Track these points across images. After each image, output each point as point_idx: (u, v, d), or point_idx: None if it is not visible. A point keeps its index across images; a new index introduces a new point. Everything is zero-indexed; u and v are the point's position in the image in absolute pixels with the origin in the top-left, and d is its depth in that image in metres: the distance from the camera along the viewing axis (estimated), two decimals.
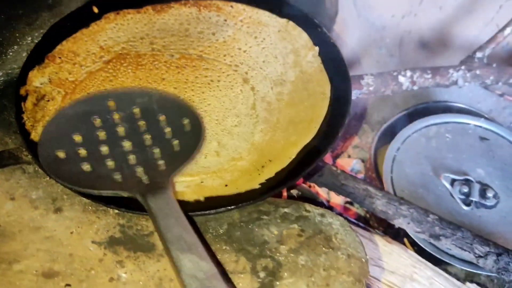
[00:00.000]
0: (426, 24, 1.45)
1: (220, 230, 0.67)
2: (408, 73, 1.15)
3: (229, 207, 0.68)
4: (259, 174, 0.73)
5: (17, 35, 0.93)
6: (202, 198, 0.70)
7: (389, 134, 1.19)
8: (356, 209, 1.18)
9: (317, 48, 0.90)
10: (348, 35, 1.38)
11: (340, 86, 0.84)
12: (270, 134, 0.80)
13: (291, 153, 0.76)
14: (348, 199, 1.01)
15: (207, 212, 0.68)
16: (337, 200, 1.16)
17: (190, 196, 0.70)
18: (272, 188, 0.70)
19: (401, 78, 1.15)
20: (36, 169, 0.72)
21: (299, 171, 0.73)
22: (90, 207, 0.68)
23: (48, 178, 0.71)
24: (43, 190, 0.69)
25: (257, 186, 0.71)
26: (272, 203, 0.72)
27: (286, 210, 0.71)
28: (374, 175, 1.13)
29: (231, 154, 0.77)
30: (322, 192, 1.13)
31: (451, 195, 1.06)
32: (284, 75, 0.89)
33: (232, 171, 0.75)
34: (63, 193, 0.69)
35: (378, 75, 1.14)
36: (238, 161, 0.76)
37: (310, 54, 0.90)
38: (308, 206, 0.71)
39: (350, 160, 1.25)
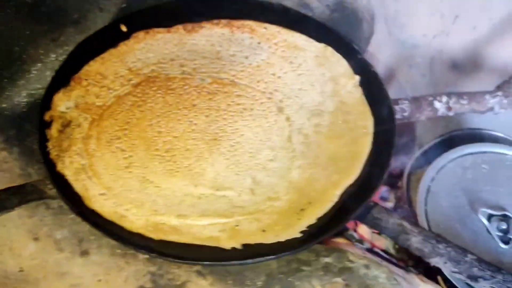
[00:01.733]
0: (459, 44, 1.38)
1: (258, 282, 0.62)
2: (444, 99, 1.09)
3: (269, 257, 0.62)
4: (299, 219, 0.67)
5: (41, 52, 0.88)
6: (239, 245, 0.64)
7: (422, 162, 1.12)
8: (384, 239, 1.12)
9: (357, 78, 0.84)
10: (380, 55, 1.32)
11: (384, 121, 0.78)
12: (309, 171, 0.74)
13: (333, 196, 0.70)
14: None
15: (245, 261, 0.62)
16: (364, 230, 1.10)
17: (226, 242, 0.64)
18: (314, 236, 0.64)
19: (437, 104, 1.09)
20: (61, 204, 0.66)
21: (343, 217, 0.67)
22: (118, 251, 0.63)
23: (73, 216, 0.65)
24: (68, 229, 0.64)
25: (298, 235, 0.65)
26: (312, 250, 0.66)
27: (327, 259, 0.65)
28: (407, 207, 1.06)
29: (267, 193, 0.72)
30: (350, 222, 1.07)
31: (488, 231, 1.00)
32: (322, 105, 0.83)
33: (270, 213, 0.69)
34: (89, 233, 0.64)
35: (413, 100, 1.08)
36: (275, 201, 0.70)
37: (351, 84, 0.84)
38: (351, 256, 0.66)
39: (380, 188, 1.18)
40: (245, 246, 0.64)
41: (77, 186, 0.68)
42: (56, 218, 0.64)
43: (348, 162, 0.74)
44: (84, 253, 0.62)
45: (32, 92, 0.83)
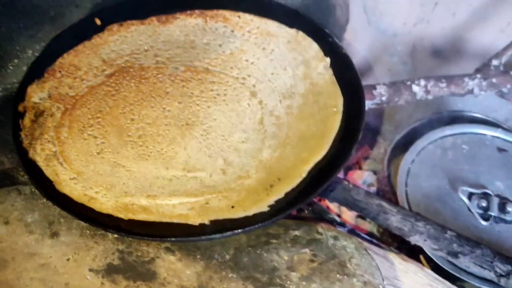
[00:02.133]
0: (439, 31, 1.38)
1: (227, 255, 0.61)
2: (422, 82, 1.09)
3: (236, 231, 0.62)
4: (268, 194, 0.67)
5: (17, 48, 0.89)
6: (207, 221, 0.64)
7: (402, 145, 1.12)
8: (368, 223, 1.11)
9: (328, 59, 0.84)
10: (359, 43, 1.32)
11: (353, 100, 0.78)
12: (279, 150, 0.74)
13: (302, 171, 0.70)
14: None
15: (213, 236, 0.62)
16: (348, 214, 1.10)
17: (195, 219, 0.64)
18: (282, 210, 0.64)
19: (415, 88, 1.09)
20: (33, 190, 0.67)
21: (310, 191, 0.67)
22: (88, 231, 0.63)
23: (45, 200, 0.65)
24: (39, 213, 0.65)
25: (265, 209, 0.65)
26: (281, 225, 0.66)
27: (296, 232, 0.65)
28: (388, 189, 1.06)
29: (238, 172, 0.72)
30: (333, 206, 1.07)
31: (469, 209, 0.99)
32: (294, 87, 0.83)
33: (239, 190, 0.69)
34: (60, 216, 0.65)
35: (391, 84, 1.08)
36: (246, 179, 0.71)
37: (321, 65, 0.84)
38: (320, 228, 0.65)
39: (361, 173, 1.18)
40: (214, 222, 0.64)
41: (48, 172, 0.68)
42: (28, 203, 0.65)
43: (318, 140, 0.74)
44: (54, 235, 0.62)
45: (8, 87, 0.84)
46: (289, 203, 0.65)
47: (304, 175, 0.69)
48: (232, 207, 0.66)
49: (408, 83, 1.08)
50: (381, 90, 1.06)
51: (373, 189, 1.15)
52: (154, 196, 0.67)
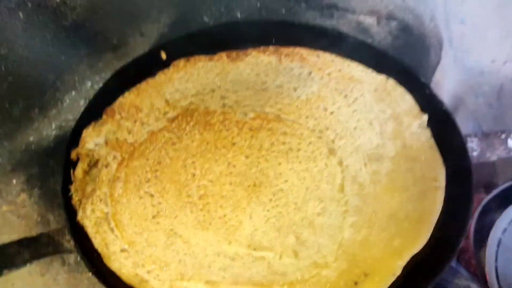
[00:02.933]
0: None
1: None
2: None
3: None
4: None
5: (76, 78, 0.79)
6: None
7: (493, 210, 0.93)
8: None
9: (425, 117, 0.68)
10: (443, 83, 1.14)
11: (457, 172, 0.62)
12: (364, 231, 0.60)
13: (395, 267, 0.55)
14: None
15: None
16: None
17: None
18: None
19: (511, 142, 0.92)
20: (78, 259, 0.56)
21: None
22: None
23: (90, 275, 0.54)
24: None
25: None
26: None
27: None
28: (474, 262, 0.88)
29: (313, 257, 0.58)
30: None
31: None
32: (382, 148, 0.68)
33: (315, 284, 0.55)
34: None
35: (483, 137, 0.91)
36: (323, 269, 0.56)
37: (416, 124, 0.69)
38: None
39: None
40: None
41: (97, 241, 0.58)
42: (71, 277, 0.54)
43: (414, 224, 0.59)
44: None
45: (63, 124, 0.74)
46: None
47: (398, 273, 0.54)
48: None
49: (503, 136, 0.92)
50: (472, 143, 0.89)
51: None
52: (214, 283, 0.55)
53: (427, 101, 0.71)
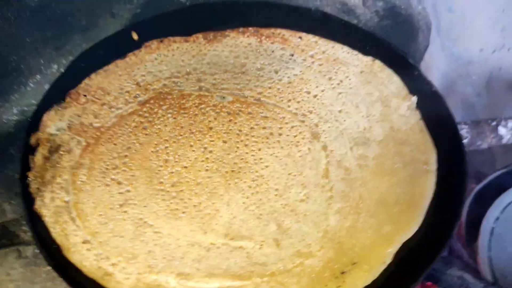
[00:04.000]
0: None
1: None
2: (510, 124, 0.90)
3: None
4: (339, 286, 0.48)
5: (41, 61, 0.74)
6: None
7: (484, 199, 0.91)
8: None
9: (414, 98, 0.65)
10: (431, 71, 1.11)
11: (450, 154, 0.58)
12: (351, 218, 0.55)
13: (385, 255, 0.51)
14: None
15: None
16: None
17: None
18: None
19: (502, 130, 0.91)
20: (36, 252, 0.50)
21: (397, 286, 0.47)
22: None
23: (49, 268, 0.49)
24: (40, 286, 0.48)
25: None
26: None
27: None
28: (466, 252, 0.85)
29: (297, 246, 0.53)
30: None
31: None
32: (368, 131, 0.64)
33: (299, 275, 0.50)
34: None
35: (473, 124, 0.89)
36: (307, 258, 0.52)
37: (405, 106, 0.65)
38: None
39: None
40: None
41: (56, 231, 0.52)
42: (28, 270, 0.49)
43: (404, 209, 0.55)
44: None
45: (25, 108, 0.69)
46: None
47: (388, 260, 0.50)
48: None
49: (494, 123, 0.90)
50: (462, 130, 0.87)
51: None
52: (187, 275, 0.50)
53: (416, 82, 0.68)
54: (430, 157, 0.59)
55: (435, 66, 1.14)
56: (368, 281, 0.49)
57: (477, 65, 1.20)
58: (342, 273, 0.50)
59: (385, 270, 0.50)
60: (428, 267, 0.47)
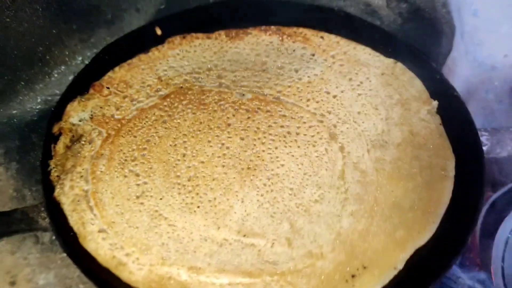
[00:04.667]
0: None
1: None
2: None
3: None
4: None
5: (66, 53, 0.75)
6: None
7: (501, 207, 0.88)
8: None
9: (435, 103, 0.63)
10: (453, 76, 1.08)
11: (469, 162, 0.57)
12: (364, 222, 0.54)
13: (397, 260, 0.50)
14: None
15: None
16: None
17: None
18: None
19: None
20: (53, 239, 0.51)
21: None
22: None
23: (65, 255, 0.49)
24: (55, 272, 0.49)
25: None
26: None
27: None
28: (479, 261, 0.83)
29: (308, 246, 0.53)
30: None
31: None
32: (387, 134, 0.63)
33: (309, 276, 0.50)
34: (79, 280, 0.48)
35: (493, 132, 0.86)
36: (318, 259, 0.51)
37: (425, 110, 0.64)
38: None
39: None
40: None
41: (73, 219, 0.53)
42: (44, 256, 0.50)
43: (419, 215, 0.54)
44: None
45: (49, 98, 0.70)
46: None
47: (400, 266, 0.49)
48: None
49: None
50: (482, 138, 0.84)
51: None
52: (198, 269, 0.50)
53: (438, 86, 0.66)
54: (448, 163, 0.58)
55: (457, 71, 1.10)
56: (378, 286, 0.48)
57: (500, 71, 1.16)
58: (353, 276, 0.49)
59: (396, 276, 0.49)
60: (440, 275, 0.46)
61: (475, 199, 0.53)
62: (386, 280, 0.48)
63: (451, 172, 0.57)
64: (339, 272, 0.50)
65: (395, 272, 0.49)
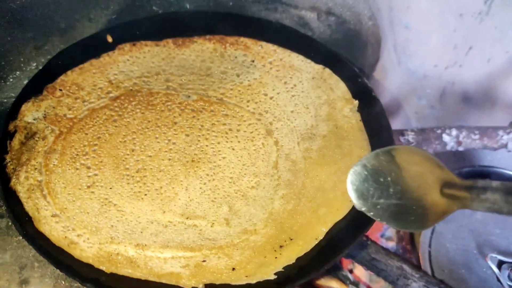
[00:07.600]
0: (472, 77, 1.27)
1: None
2: (454, 132, 0.99)
3: None
4: (276, 257, 0.56)
5: (21, 59, 0.81)
6: (201, 286, 0.53)
7: None
8: (383, 281, 0.99)
9: (356, 102, 0.74)
10: (386, 82, 1.21)
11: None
12: (293, 202, 0.64)
13: (318, 233, 0.59)
14: None
15: None
16: (362, 271, 0.97)
17: (187, 280, 0.54)
18: (291, 280, 0.53)
19: (446, 137, 0.99)
20: (10, 224, 0.57)
21: (326, 259, 0.55)
22: (63, 282, 0.53)
23: (20, 238, 0.55)
24: (11, 253, 0.55)
25: (272, 276, 0.54)
26: None
27: None
28: (409, 247, 0.94)
29: (244, 225, 0.61)
30: (346, 261, 0.95)
31: (498, 279, 0.87)
32: (315, 128, 0.73)
33: (243, 248, 0.58)
34: (34, 259, 0.54)
35: (419, 131, 0.98)
36: (252, 234, 0.60)
37: (348, 108, 0.74)
38: None
39: (380, 224, 1.06)
40: (209, 287, 0.53)
41: (28, 205, 0.59)
42: (0, 239, 0.55)
43: (339, 195, 0.64)
44: (23, 283, 0.52)
45: (4, 100, 0.75)
46: (300, 272, 0.54)
47: (320, 237, 0.58)
48: (233, 269, 0.55)
49: (439, 131, 0.99)
50: (408, 137, 0.96)
51: (391, 244, 1.03)
52: (144, 245, 0.57)
53: (359, 89, 0.77)
54: (365, 151, 0.68)
55: (391, 79, 1.24)
56: (301, 253, 0.57)
57: (431, 79, 1.30)
58: (280, 247, 0.58)
59: (317, 245, 0.58)
60: (353, 243, 0.56)
61: None
62: (308, 248, 0.57)
63: None
64: (269, 244, 0.58)
65: (316, 242, 0.58)
